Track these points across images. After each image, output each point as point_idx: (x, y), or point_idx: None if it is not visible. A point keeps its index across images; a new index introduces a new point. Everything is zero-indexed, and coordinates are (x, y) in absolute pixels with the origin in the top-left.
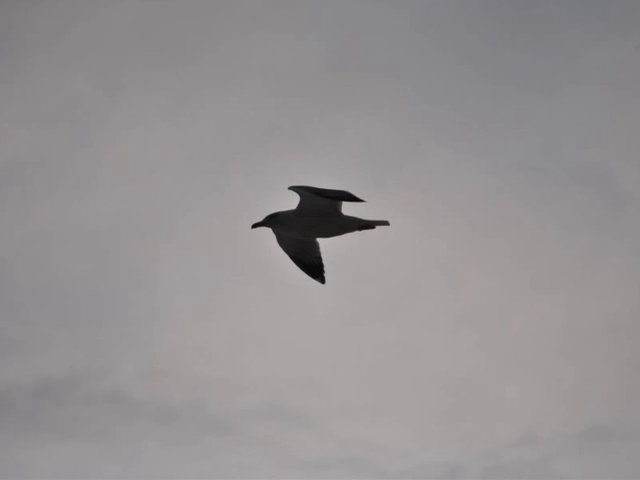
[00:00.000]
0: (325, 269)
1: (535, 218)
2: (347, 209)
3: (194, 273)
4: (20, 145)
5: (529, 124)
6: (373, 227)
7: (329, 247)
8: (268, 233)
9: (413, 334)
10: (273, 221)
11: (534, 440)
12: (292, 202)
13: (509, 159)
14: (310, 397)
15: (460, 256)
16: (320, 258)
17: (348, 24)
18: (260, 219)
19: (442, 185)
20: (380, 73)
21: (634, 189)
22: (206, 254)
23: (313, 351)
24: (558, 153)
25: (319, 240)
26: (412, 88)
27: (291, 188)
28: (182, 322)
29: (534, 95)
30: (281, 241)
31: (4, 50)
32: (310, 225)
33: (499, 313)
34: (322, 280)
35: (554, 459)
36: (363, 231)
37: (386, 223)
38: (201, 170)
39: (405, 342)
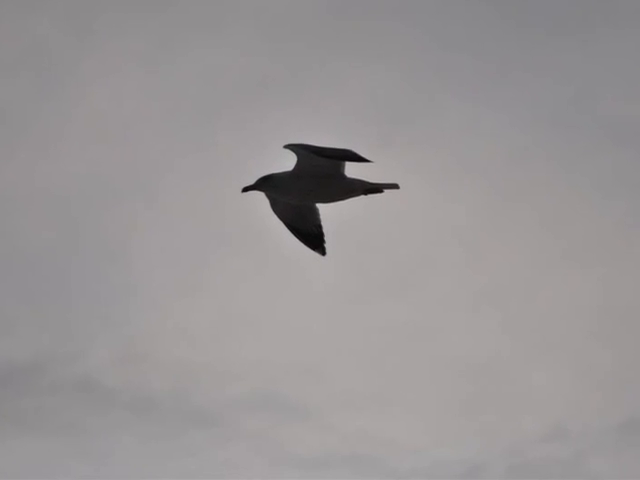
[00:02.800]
0: (326, 239)
1: (566, 181)
2: (351, 170)
3: (176, 244)
4: None
5: (559, 73)
6: (381, 191)
7: (330, 214)
8: (261, 198)
9: (427, 313)
10: (266, 184)
11: (564, 435)
12: (288, 162)
13: (536, 113)
14: (308, 385)
15: (480, 224)
16: (320, 226)
17: None
18: (252, 182)
19: (459, 143)
20: (388, 15)
21: None
22: (190, 222)
23: (312, 333)
24: (592, 106)
25: (319, 206)
26: (425, 32)
27: (287, 146)
28: (162, 300)
29: (564, 40)
30: (276, 207)
31: None
32: (309, 189)
33: (525, 289)
34: (322, 251)
35: (587, 456)
36: (369, 196)
37: (395, 186)
38: (184, 126)
39: (417, 322)
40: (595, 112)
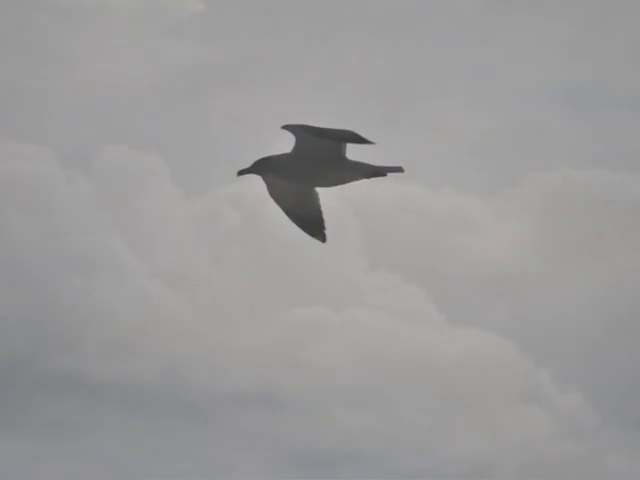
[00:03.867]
0: (326, 225)
1: None
2: (353, 153)
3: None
4: None
5: None
6: (384, 174)
7: (330, 199)
8: (257, 181)
9: (436, 302)
10: (264, 167)
11: (579, 432)
12: (286, 144)
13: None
14: (307, 379)
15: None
16: (320, 211)
17: None
18: (248, 164)
19: (467, 122)
20: None
21: None
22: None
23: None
24: None
25: (319, 190)
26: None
27: (285, 127)
28: (154, 288)
29: None
30: (273, 191)
31: None
32: (308, 172)
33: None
34: (322, 238)
35: (603, 454)
36: (373, 179)
37: (400, 170)
38: (177, 104)
39: (426, 312)
40: None
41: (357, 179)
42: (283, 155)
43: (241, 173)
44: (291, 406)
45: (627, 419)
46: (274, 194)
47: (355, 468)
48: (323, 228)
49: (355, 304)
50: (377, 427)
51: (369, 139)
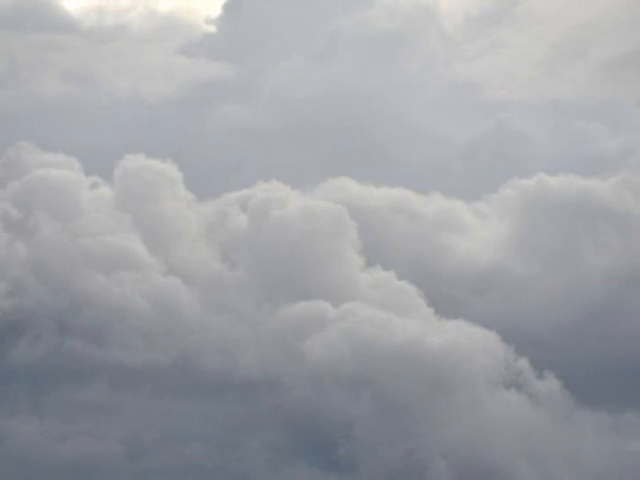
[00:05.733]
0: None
1: None
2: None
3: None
4: None
5: None
6: None
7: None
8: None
9: None
10: None
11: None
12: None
13: None
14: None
15: None
16: None
17: None
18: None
19: None
20: None
21: None
22: None
23: None
24: None
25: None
26: None
27: None
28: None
29: None
30: None
31: None
32: None
33: None
34: None
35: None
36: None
37: None
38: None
39: None
40: None
41: None
42: None
43: None
44: (294, 391)
45: (599, 403)
46: None
47: (352, 450)
48: None
49: (352, 298)
50: (371, 410)
51: None
